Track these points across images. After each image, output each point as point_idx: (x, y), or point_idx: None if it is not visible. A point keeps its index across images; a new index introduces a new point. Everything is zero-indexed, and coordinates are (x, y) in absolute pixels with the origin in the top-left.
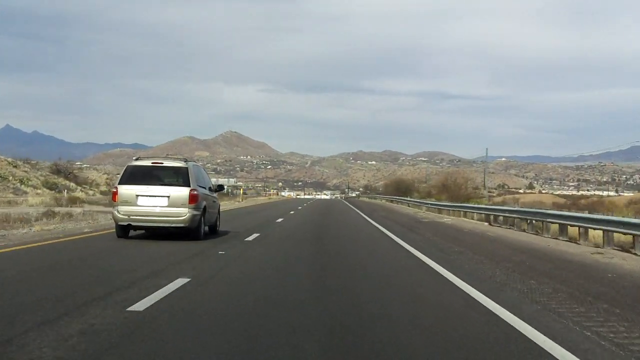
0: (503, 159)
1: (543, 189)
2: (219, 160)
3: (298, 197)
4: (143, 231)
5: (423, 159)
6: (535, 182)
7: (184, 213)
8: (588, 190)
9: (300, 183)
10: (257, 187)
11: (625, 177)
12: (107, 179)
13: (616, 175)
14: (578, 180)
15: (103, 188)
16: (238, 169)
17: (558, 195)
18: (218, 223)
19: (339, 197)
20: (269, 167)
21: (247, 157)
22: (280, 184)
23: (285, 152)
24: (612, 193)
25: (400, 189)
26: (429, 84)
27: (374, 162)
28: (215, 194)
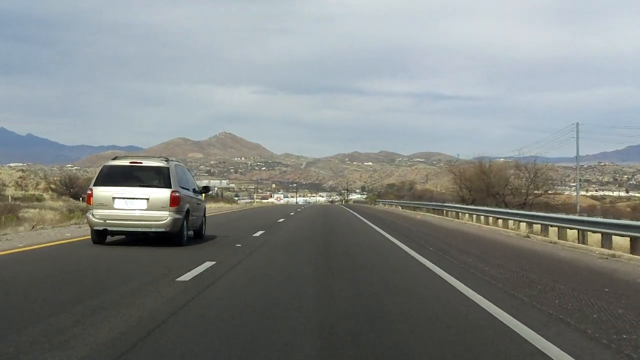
0: (502, 159)
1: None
2: (212, 162)
3: (283, 201)
4: (124, 237)
5: (420, 159)
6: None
7: (165, 217)
8: (597, 191)
9: (295, 185)
10: (250, 188)
11: (627, 177)
12: (21, 177)
13: (617, 175)
14: (579, 180)
15: (12, 191)
16: (232, 170)
17: (590, 197)
18: (204, 227)
19: (337, 201)
20: (264, 168)
21: (241, 158)
22: (273, 185)
23: (280, 153)
24: (622, 194)
25: (491, 189)
26: (422, 85)
27: (370, 163)
28: (200, 196)
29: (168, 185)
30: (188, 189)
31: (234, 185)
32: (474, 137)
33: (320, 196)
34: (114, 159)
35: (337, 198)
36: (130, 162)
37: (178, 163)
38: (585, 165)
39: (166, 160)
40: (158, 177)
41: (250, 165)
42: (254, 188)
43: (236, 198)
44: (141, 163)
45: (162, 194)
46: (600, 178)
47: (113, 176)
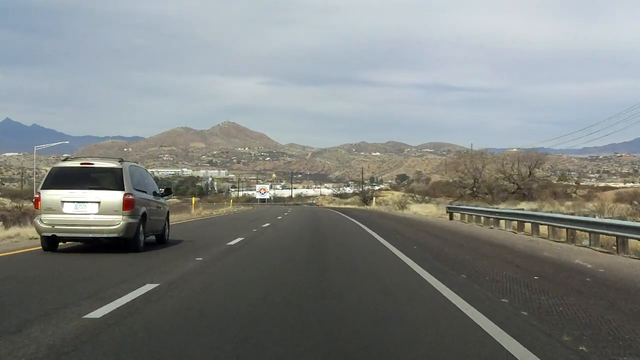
0: (514, 149)
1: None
2: (215, 152)
3: (268, 195)
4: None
5: (429, 150)
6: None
7: (117, 221)
8: (633, 183)
9: (300, 175)
10: (250, 179)
11: None
12: None
13: (636, 166)
14: (598, 171)
15: None
16: (235, 160)
17: None
18: (167, 232)
19: (350, 196)
20: (268, 158)
21: (244, 148)
22: (273, 175)
23: (284, 143)
24: None
25: None
26: (430, 76)
27: (377, 153)
28: (162, 199)
29: (121, 188)
30: (146, 192)
31: (233, 175)
32: (483, 129)
33: (325, 187)
34: (65, 159)
35: (348, 190)
36: (81, 163)
37: (134, 164)
38: (601, 157)
39: (120, 161)
40: (110, 179)
41: (254, 155)
42: (254, 179)
43: (233, 189)
44: (92, 164)
45: (114, 197)
46: (619, 169)
47: (62, 178)
